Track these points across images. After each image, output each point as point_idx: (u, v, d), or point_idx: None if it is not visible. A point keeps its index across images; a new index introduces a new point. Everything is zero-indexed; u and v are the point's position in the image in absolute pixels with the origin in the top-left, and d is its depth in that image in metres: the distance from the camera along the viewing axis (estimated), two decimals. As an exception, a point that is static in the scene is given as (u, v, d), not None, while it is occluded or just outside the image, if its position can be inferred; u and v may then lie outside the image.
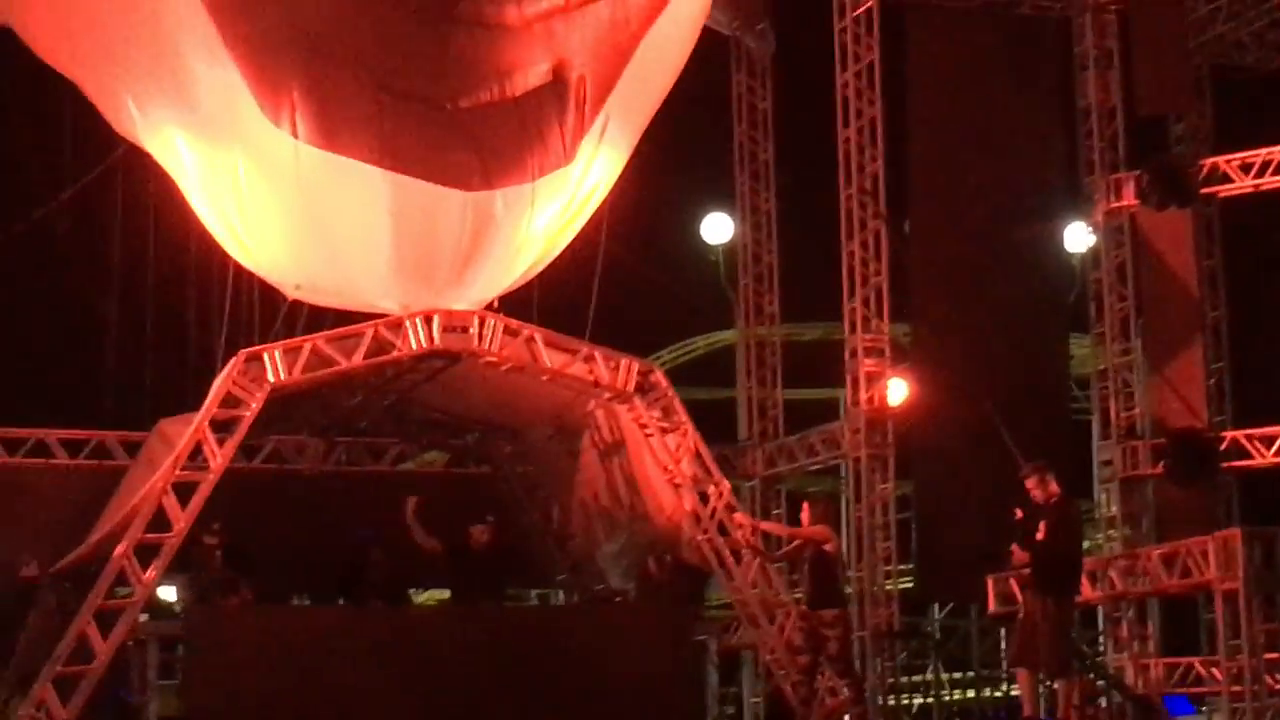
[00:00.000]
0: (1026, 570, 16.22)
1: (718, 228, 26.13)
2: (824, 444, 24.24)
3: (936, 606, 27.36)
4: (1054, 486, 15.77)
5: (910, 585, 24.24)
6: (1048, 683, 17.01)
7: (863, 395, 22.80)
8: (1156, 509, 24.07)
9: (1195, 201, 24.13)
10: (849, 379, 23.08)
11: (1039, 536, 15.64)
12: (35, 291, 23.18)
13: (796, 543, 17.21)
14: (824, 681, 17.20)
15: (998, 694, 26.21)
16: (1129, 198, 23.84)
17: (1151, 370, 24.09)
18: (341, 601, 18.84)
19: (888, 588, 22.86)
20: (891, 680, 22.94)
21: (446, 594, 19.89)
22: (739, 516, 18.38)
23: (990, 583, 20.27)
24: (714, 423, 25.13)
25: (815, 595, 16.85)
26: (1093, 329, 24.63)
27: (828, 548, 16.78)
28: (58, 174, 21.06)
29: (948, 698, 25.43)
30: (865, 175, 22.96)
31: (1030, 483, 15.78)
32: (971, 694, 26.16)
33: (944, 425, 22.73)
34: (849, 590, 22.78)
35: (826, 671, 17.05)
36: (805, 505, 17.40)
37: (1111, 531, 24.11)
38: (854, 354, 22.96)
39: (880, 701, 22.43)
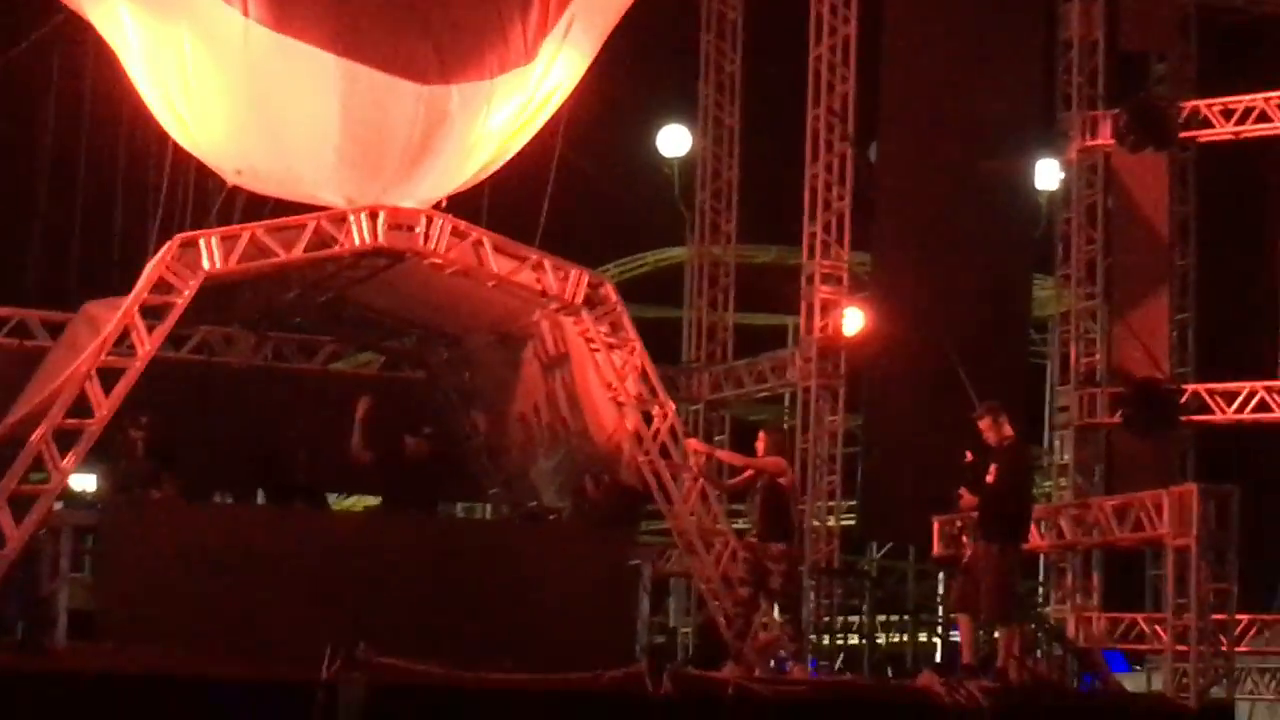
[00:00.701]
0: (974, 514, 16.40)
1: (675, 140, 26.09)
2: (773, 371, 24.36)
3: (874, 546, 27.60)
4: (1007, 429, 15.94)
5: (852, 522, 24.44)
6: (988, 631, 17.20)
7: (816, 323, 22.94)
8: (1110, 459, 24.30)
9: (1173, 145, 24.29)
10: (803, 305, 23.18)
11: (988, 480, 15.79)
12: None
13: (749, 473, 17.34)
14: (760, 616, 17.32)
15: (931, 639, 26.53)
16: (1105, 136, 23.96)
17: (1115, 317, 24.27)
18: (262, 500, 18.88)
19: (830, 524, 23.02)
20: (826, 619, 23.12)
21: (371, 501, 19.93)
22: (692, 443, 18.45)
23: (936, 525, 20.39)
24: (659, 342, 25.24)
25: (764, 528, 16.98)
26: (1057, 270, 24.78)
27: (782, 480, 16.90)
28: (-6, 38, 20.91)
29: (880, 640, 25.72)
30: (835, 96, 23.02)
31: (983, 424, 15.93)
32: (904, 637, 26.44)
33: (899, 359, 22.87)
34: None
35: (763, 606, 17.18)
36: (761, 434, 17.52)
37: (1063, 480, 24.34)
38: (810, 280, 23.06)
39: (813, 640, 22.61)
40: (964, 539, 18.12)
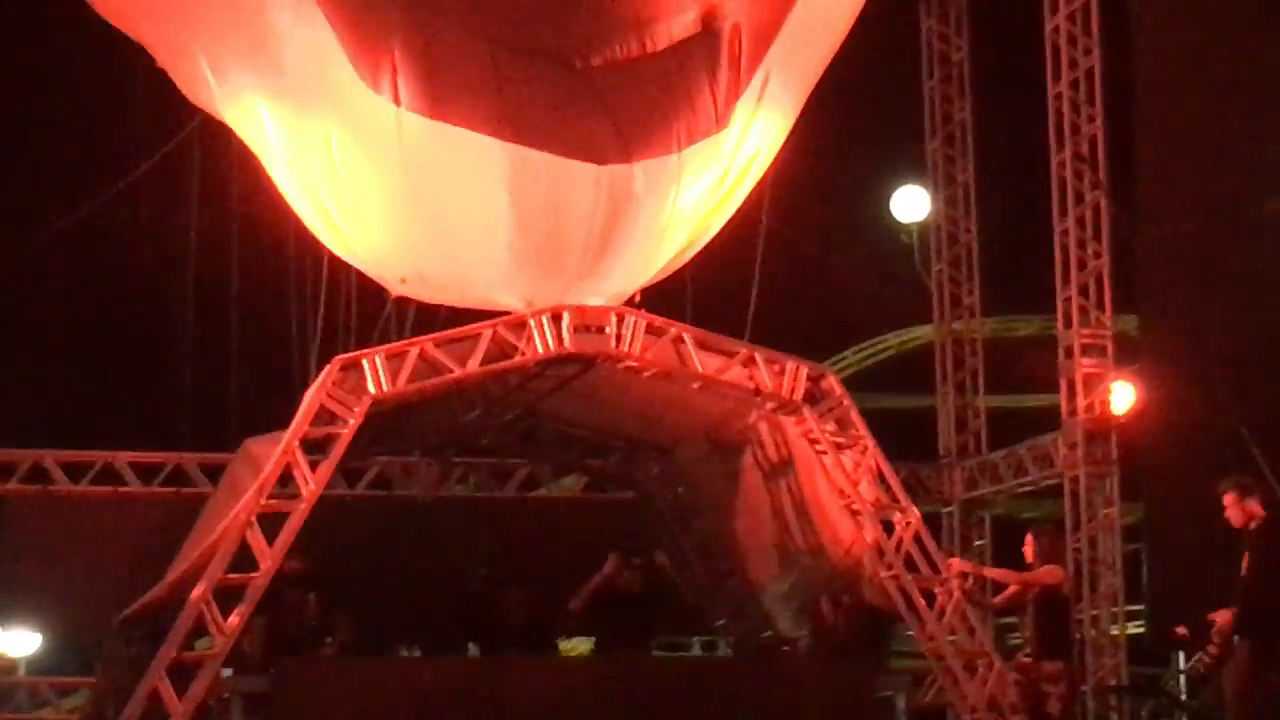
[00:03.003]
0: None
1: (912, 203, 25.98)
2: (1035, 461, 24.06)
3: (1181, 656, 27.06)
4: (1255, 507, 15.54)
5: (1142, 630, 24.03)
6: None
7: (1080, 402, 22.62)
8: None
9: None
10: (1064, 383, 22.90)
11: (1242, 573, 15.47)
12: (100, 292, 23.57)
13: (1015, 588, 17.25)
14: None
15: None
16: None
17: None
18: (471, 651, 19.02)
19: (1114, 633, 22.66)
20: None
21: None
22: (955, 563, 18.33)
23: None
24: (908, 436, 25.12)
25: (1040, 645, 16.82)
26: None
27: (1059, 589, 16.76)
28: (124, 152, 21.40)
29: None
30: (1081, 138, 22.77)
31: (1227, 500, 15.57)
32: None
33: (1181, 436, 22.47)
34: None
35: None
36: (1029, 538, 17.41)
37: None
38: (1070, 353, 22.78)
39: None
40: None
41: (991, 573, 18.56)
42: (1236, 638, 15.74)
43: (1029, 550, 17.42)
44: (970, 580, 18.24)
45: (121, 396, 23.49)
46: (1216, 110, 23.56)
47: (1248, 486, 15.64)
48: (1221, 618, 15.77)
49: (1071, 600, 17.43)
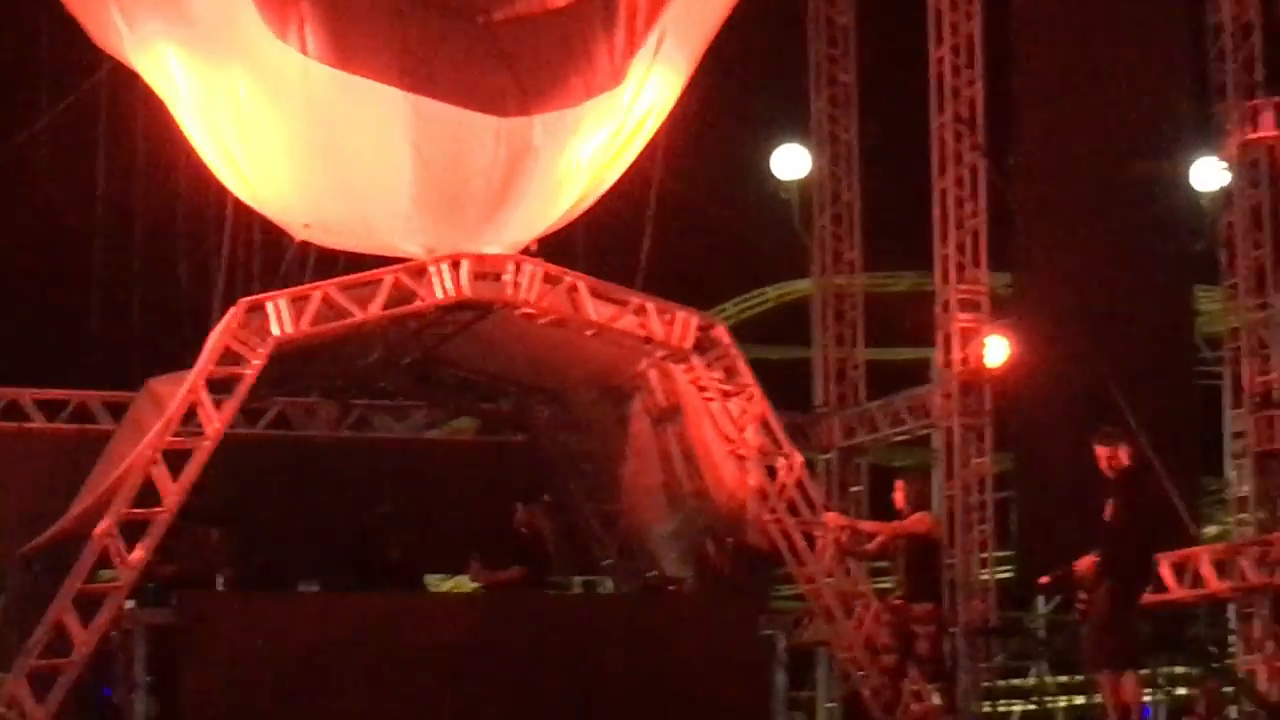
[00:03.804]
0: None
1: (792, 161, 25.90)
2: (910, 411, 24.12)
3: (1042, 600, 27.21)
4: (1123, 456, 15.55)
5: (1009, 575, 24.13)
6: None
7: (955, 355, 22.68)
8: (1299, 488, 23.86)
9: (1345, 133, 23.86)
10: (940, 336, 22.92)
11: (1105, 519, 15.46)
12: (6, 233, 23.20)
13: (884, 536, 17.26)
14: (909, 685, 17.13)
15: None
16: (1267, 127, 23.50)
17: (1292, 328, 23.85)
18: (355, 587, 18.88)
19: (983, 578, 22.74)
20: (987, 684, 22.82)
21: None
22: (830, 516, 18.29)
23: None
24: (787, 386, 25.08)
25: (910, 587, 16.84)
26: (1223, 281, 24.38)
27: (928, 534, 16.75)
28: (33, 98, 21.08)
29: (1054, 704, 25.38)
30: (960, 101, 22.78)
31: (1100, 451, 15.57)
32: (1082, 699, 26.05)
33: (1050, 389, 22.55)
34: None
35: (912, 674, 16.99)
36: (898, 484, 17.40)
37: (1243, 515, 23.90)
38: (946, 307, 22.81)
39: (975, 708, 22.32)
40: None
41: (865, 525, 18.49)
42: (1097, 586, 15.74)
43: (899, 496, 17.42)
44: (845, 533, 18.18)
45: (27, 335, 23.13)
46: (1087, 77, 23.65)
47: (1116, 436, 15.65)
48: (1083, 565, 15.78)
49: (940, 545, 17.39)
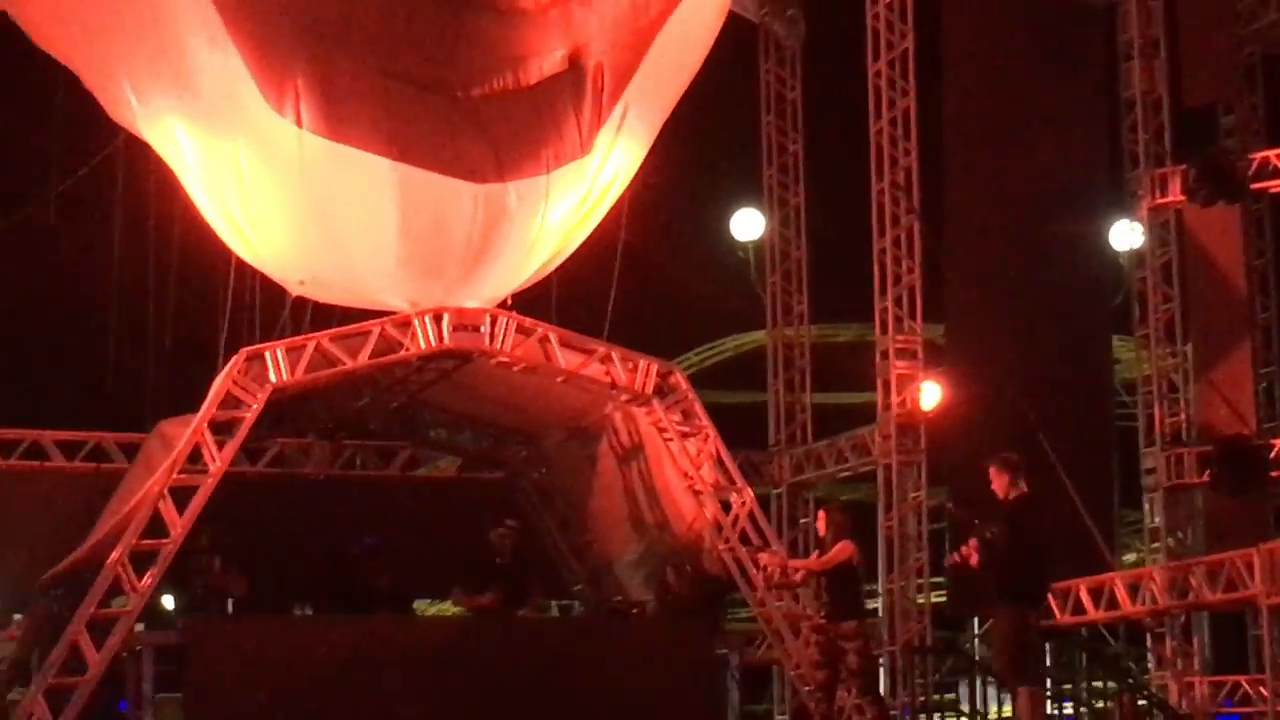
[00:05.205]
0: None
1: (748, 224, 25.98)
2: (853, 450, 24.15)
3: (976, 621, 27.24)
4: (1019, 483, 15.35)
5: (943, 599, 24.18)
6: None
7: (894, 399, 22.71)
8: (1206, 520, 23.92)
9: (1245, 197, 23.98)
10: (880, 382, 22.97)
11: (989, 538, 15.28)
12: (30, 288, 23.21)
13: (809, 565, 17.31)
14: (847, 698, 17.15)
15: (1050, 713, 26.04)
16: (1175, 193, 23.66)
17: (1198, 374, 23.97)
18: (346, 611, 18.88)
19: (919, 601, 22.78)
20: (923, 699, 22.84)
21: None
22: (764, 557, 18.18)
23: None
24: (746, 428, 25.15)
25: (834, 607, 16.85)
26: (1138, 331, 24.51)
27: (849, 561, 16.79)
28: (53, 165, 21.13)
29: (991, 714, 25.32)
30: (898, 169, 22.85)
31: (991, 472, 15.38)
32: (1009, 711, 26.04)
33: (980, 431, 22.56)
34: (879, 603, 22.79)
35: (849, 688, 17.01)
36: (821, 514, 17.41)
37: (1155, 544, 23.99)
38: (885, 356, 22.86)
39: (912, 720, 22.35)
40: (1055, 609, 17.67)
41: (797, 563, 18.35)
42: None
43: (821, 525, 17.39)
44: (775, 571, 18.13)
45: (49, 382, 23.17)
46: (1013, 148, 23.86)
47: (1013, 463, 15.49)
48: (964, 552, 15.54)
49: (859, 568, 17.32)
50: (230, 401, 16.75)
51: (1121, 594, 20.69)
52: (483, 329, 17.44)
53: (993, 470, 15.31)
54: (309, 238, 17.54)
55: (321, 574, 18.50)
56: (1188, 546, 23.54)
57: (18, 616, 19.34)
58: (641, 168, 18.79)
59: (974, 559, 15.37)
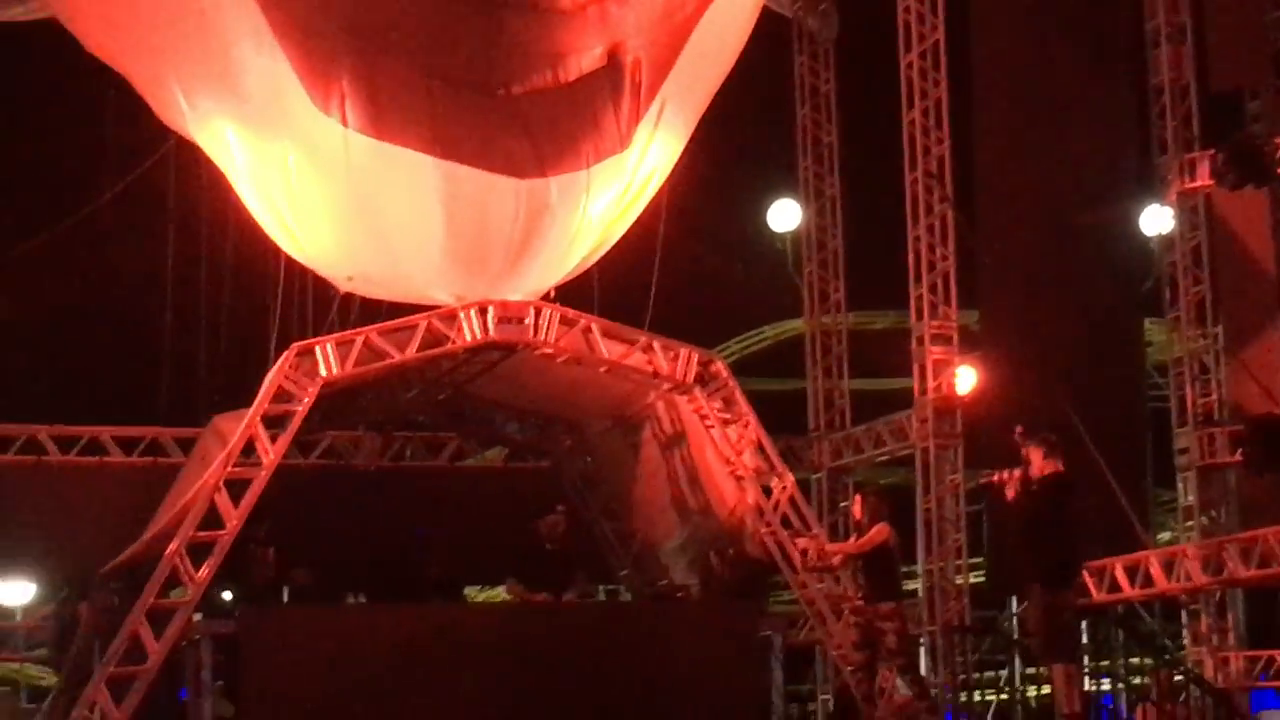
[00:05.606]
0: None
1: (785, 214, 25.91)
2: (891, 434, 24.08)
3: (1014, 600, 27.14)
4: (1055, 463, 15.25)
5: (981, 579, 24.08)
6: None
7: (930, 384, 22.60)
8: (1239, 498, 23.81)
9: (1273, 180, 23.77)
10: (916, 367, 22.87)
11: (1029, 516, 15.19)
12: (87, 288, 23.34)
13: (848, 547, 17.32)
14: (886, 678, 17.12)
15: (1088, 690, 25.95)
16: (1204, 178, 23.51)
17: (1229, 355, 23.84)
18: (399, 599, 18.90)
19: (958, 581, 22.69)
20: (963, 676, 22.76)
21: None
22: (802, 542, 18.21)
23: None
24: (786, 414, 25.09)
25: (871, 589, 16.83)
26: (1168, 314, 24.39)
27: (886, 543, 16.77)
28: (106, 168, 21.20)
29: (1031, 693, 25.24)
30: (930, 158, 22.73)
31: (1030, 452, 15.28)
32: (1048, 690, 25.93)
33: (1015, 414, 22.43)
34: (918, 585, 22.72)
35: (888, 667, 16.99)
36: (857, 499, 17.44)
37: (1189, 522, 23.89)
38: (920, 341, 22.76)
39: (954, 698, 22.24)
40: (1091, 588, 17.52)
41: (834, 547, 18.38)
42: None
43: (857, 509, 17.47)
44: (813, 554, 18.14)
45: (107, 379, 23.27)
46: (1044, 136, 23.74)
47: (1051, 442, 15.47)
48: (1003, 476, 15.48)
49: (896, 550, 17.31)
50: (282, 396, 16.78)
51: (1157, 571, 20.57)
52: (527, 321, 17.42)
53: (1030, 449, 15.25)
54: (356, 235, 17.57)
55: (373, 564, 18.53)
56: (1221, 524, 23.41)
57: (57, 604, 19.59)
58: (679, 161, 18.74)
59: (1010, 493, 15.32)
